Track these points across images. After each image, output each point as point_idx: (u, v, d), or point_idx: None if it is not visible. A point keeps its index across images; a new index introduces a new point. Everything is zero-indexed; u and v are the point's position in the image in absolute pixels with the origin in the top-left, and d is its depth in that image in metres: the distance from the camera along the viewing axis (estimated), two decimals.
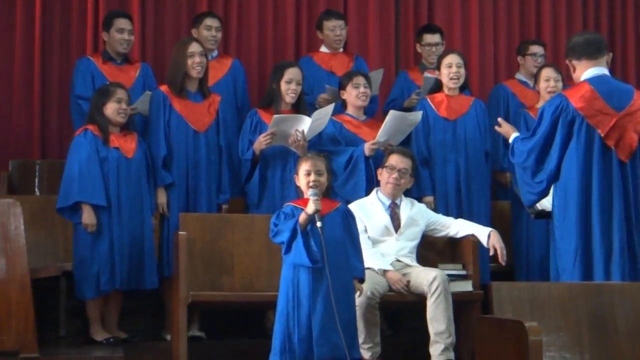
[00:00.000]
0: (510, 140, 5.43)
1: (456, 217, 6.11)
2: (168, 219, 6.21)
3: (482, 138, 6.67)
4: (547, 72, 6.71)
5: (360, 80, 6.47)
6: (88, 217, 5.88)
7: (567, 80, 7.08)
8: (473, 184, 6.61)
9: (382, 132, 6.26)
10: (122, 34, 6.70)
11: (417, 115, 6.39)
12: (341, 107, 6.64)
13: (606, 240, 5.04)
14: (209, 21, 6.97)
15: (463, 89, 6.74)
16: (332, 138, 6.40)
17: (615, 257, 5.03)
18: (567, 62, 5.32)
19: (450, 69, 6.58)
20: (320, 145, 6.33)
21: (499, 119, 5.61)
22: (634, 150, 5.09)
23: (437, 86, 6.72)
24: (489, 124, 6.61)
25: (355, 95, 6.46)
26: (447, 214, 6.21)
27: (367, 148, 6.25)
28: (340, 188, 6.26)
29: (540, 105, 6.60)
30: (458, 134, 6.62)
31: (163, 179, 6.17)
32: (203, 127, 6.29)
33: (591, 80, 5.16)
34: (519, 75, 7.48)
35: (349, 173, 6.30)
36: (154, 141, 6.20)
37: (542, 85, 6.70)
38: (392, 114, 6.27)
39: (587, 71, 5.20)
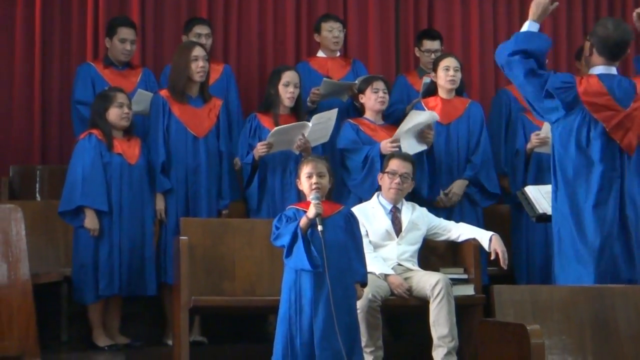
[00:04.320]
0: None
1: (448, 218, 6.12)
2: (166, 225, 6.19)
3: (475, 141, 6.66)
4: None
5: (380, 85, 6.51)
6: (90, 221, 5.90)
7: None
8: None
9: (401, 131, 6.26)
10: (124, 44, 6.69)
11: (434, 115, 6.39)
12: (354, 111, 6.75)
13: (603, 240, 4.99)
14: (198, 29, 6.89)
15: (461, 92, 6.74)
16: (352, 139, 6.42)
17: (607, 257, 4.98)
18: (588, 41, 5.17)
19: (448, 72, 6.57)
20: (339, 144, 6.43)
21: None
22: (634, 149, 5.03)
23: (432, 89, 6.72)
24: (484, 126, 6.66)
25: (374, 99, 6.49)
26: (438, 215, 6.16)
27: (385, 146, 6.25)
28: (358, 187, 6.30)
29: None
30: (451, 137, 6.61)
31: (161, 185, 6.15)
32: (202, 132, 6.26)
33: (600, 76, 5.12)
34: None
35: (366, 173, 6.30)
36: (153, 147, 6.18)
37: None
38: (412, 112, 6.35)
39: (599, 67, 5.15)
